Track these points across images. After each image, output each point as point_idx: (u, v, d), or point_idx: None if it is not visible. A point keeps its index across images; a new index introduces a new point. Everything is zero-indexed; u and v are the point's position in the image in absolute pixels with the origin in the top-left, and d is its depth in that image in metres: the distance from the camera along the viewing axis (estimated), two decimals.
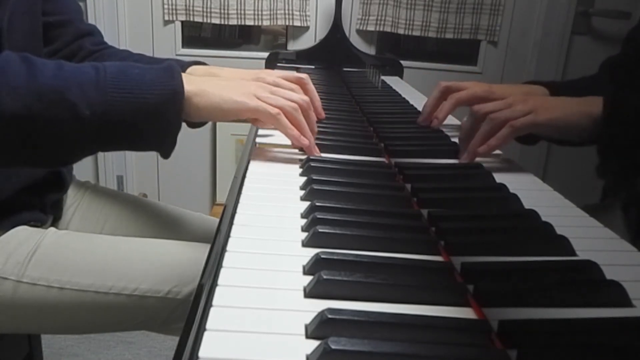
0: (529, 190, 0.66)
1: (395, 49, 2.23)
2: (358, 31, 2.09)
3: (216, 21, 2.00)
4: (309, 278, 0.41)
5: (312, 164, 0.66)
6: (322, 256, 0.43)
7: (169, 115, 0.61)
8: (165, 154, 0.64)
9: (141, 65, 0.62)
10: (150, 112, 0.59)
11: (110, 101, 0.58)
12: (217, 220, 0.56)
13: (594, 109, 0.71)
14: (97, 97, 0.57)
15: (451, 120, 0.99)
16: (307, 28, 2.07)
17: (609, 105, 0.71)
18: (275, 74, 0.84)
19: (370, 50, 2.12)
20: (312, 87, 0.85)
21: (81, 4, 1.64)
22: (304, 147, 0.70)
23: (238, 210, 0.53)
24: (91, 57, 0.94)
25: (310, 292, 0.40)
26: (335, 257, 0.43)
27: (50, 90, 0.56)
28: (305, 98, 0.71)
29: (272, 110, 0.66)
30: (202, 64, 0.90)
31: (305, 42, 2.08)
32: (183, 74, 0.63)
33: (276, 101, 0.67)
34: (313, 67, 1.58)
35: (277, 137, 0.76)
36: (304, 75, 0.85)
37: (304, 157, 0.70)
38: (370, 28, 2.06)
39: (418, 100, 1.15)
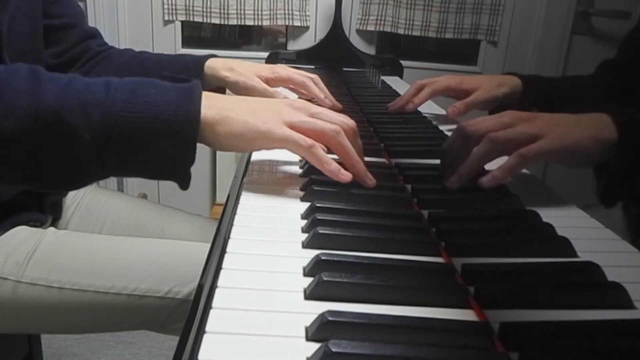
0: (530, 191, 0.65)
1: (395, 49, 2.23)
2: (358, 31, 2.09)
3: (216, 21, 1.99)
4: (309, 280, 0.41)
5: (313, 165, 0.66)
6: (323, 257, 0.43)
7: (180, 144, 0.54)
8: (182, 186, 0.57)
9: (163, 85, 0.56)
10: (157, 140, 0.53)
11: (115, 126, 0.52)
12: (216, 221, 0.56)
13: (605, 133, 0.62)
14: (101, 120, 0.52)
15: (452, 122, 0.98)
16: (307, 28, 2.07)
17: (624, 128, 0.62)
18: (291, 71, 0.87)
19: (370, 50, 2.12)
20: (322, 85, 0.87)
21: (81, 4, 1.63)
22: (348, 180, 0.58)
23: (238, 211, 0.53)
24: (97, 57, 0.96)
25: (311, 294, 0.39)
26: (335, 259, 0.43)
27: (48, 111, 0.51)
28: (351, 122, 0.61)
29: (303, 142, 0.56)
30: (216, 57, 0.93)
31: (305, 42, 2.08)
32: (205, 95, 0.56)
33: (313, 125, 0.58)
34: (313, 67, 1.58)
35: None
36: (313, 76, 0.86)
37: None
38: (370, 28, 2.05)
39: None
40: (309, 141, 0.56)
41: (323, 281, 0.39)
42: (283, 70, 0.92)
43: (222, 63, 0.92)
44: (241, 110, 0.57)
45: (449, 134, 0.88)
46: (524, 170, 0.73)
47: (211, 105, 0.56)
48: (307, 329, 0.35)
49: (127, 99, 0.53)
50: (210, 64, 0.92)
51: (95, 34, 0.99)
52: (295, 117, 0.58)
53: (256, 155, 0.71)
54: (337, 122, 0.59)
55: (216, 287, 0.39)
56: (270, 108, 0.59)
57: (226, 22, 2.00)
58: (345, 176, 0.58)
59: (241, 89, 0.91)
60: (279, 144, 0.57)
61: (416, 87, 0.98)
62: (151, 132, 0.52)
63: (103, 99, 0.53)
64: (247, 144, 0.58)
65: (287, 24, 2.03)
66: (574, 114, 0.65)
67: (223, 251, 0.45)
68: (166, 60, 0.94)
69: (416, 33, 2.04)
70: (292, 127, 0.57)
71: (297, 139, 0.56)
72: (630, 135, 0.61)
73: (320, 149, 0.57)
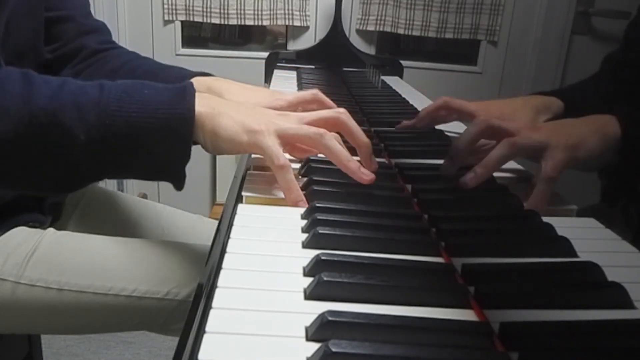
0: (529, 190, 0.65)
1: (395, 49, 2.23)
2: (358, 31, 2.09)
3: (216, 21, 1.99)
4: (309, 280, 0.41)
5: (313, 165, 0.65)
6: (323, 257, 0.43)
7: (175, 142, 0.54)
8: (176, 186, 0.58)
9: (155, 86, 0.56)
10: (152, 138, 0.53)
11: (110, 125, 0.53)
12: (216, 222, 0.56)
13: (610, 130, 0.65)
14: (96, 120, 0.52)
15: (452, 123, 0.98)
16: (307, 28, 2.07)
17: (628, 127, 0.65)
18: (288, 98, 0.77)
19: (370, 50, 2.12)
20: (330, 102, 0.78)
21: None
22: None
23: (238, 211, 0.53)
24: (95, 56, 0.90)
25: (311, 294, 0.39)
26: (335, 259, 0.43)
27: (43, 113, 0.52)
28: (341, 110, 0.60)
29: (277, 160, 0.55)
30: (208, 74, 0.84)
31: (305, 42, 2.08)
32: (199, 94, 0.56)
33: (297, 131, 0.57)
34: (313, 67, 1.58)
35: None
36: (314, 91, 0.78)
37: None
38: (370, 28, 2.06)
39: (418, 100, 1.15)
40: (284, 162, 0.55)
41: (323, 281, 0.39)
42: (285, 102, 0.75)
43: (205, 88, 0.79)
44: (234, 113, 0.57)
45: (449, 134, 0.88)
46: (523, 169, 0.73)
47: (205, 104, 0.56)
48: (307, 329, 0.35)
49: (121, 99, 0.54)
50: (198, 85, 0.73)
51: (97, 29, 0.92)
52: (284, 124, 0.57)
53: (257, 155, 0.70)
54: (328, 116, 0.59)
55: (216, 287, 0.39)
56: (262, 114, 0.59)
57: (226, 22, 2.00)
58: (297, 200, 0.57)
59: None
60: (257, 150, 0.57)
61: (439, 105, 0.86)
62: (146, 130, 0.53)
63: (97, 100, 0.53)
64: (235, 147, 0.57)
65: (287, 24, 2.03)
66: (579, 118, 0.68)
67: (223, 251, 0.45)
68: (161, 71, 0.86)
69: (416, 33, 2.04)
70: (279, 134, 0.56)
71: (273, 153, 0.55)
72: (634, 131, 0.64)
73: (290, 175, 0.56)
